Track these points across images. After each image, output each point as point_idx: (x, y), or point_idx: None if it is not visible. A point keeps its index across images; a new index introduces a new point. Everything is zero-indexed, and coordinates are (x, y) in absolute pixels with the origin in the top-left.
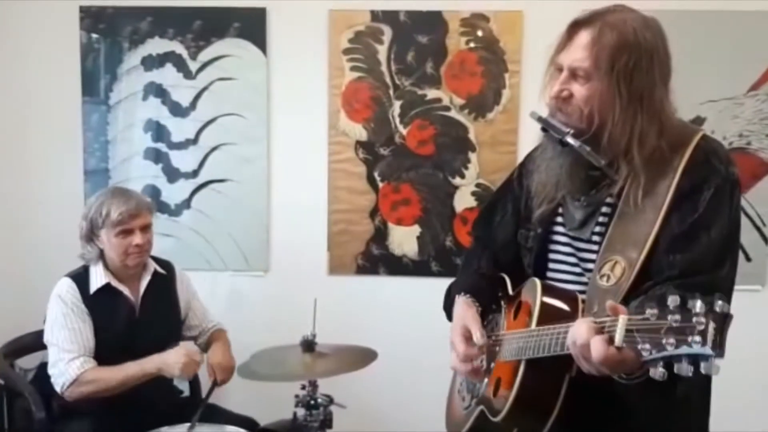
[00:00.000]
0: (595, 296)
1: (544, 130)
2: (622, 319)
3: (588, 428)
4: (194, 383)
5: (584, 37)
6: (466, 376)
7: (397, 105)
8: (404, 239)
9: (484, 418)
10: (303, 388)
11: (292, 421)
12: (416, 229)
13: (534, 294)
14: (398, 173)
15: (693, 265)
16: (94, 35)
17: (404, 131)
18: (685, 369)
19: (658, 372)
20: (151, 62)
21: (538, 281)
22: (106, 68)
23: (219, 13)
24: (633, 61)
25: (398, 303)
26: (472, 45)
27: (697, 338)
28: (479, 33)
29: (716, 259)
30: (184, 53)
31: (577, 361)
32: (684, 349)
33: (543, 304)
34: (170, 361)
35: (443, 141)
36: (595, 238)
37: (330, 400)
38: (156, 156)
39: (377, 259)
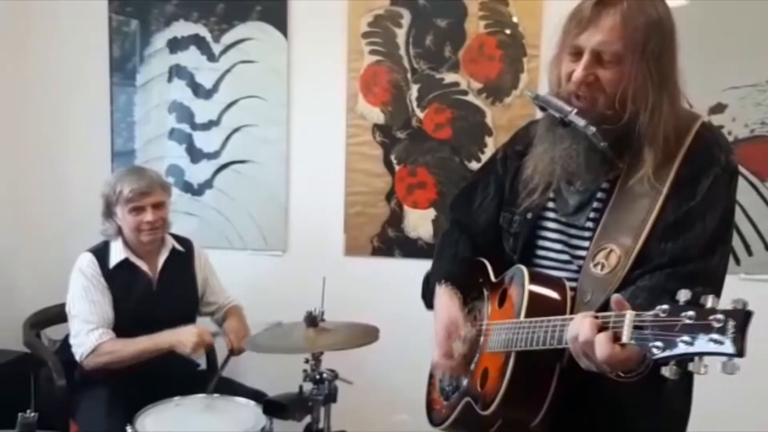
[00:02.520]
0: (589, 285)
1: (542, 109)
2: (630, 316)
3: (575, 418)
4: (210, 355)
5: (611, 17)
6: (447, 372)
7: (414, 89)
8: (419, 222)
9: (469, 410)
10: (306, 361)
11: (298, 394)
12: (432, 213)
13: (521, 282)
14: (415, 156)
15: (684, 253)
16: (123, 18)
17: (421, 115)
18: (700, 368)
19: (671, 370)
20: (176, 45)
21: (524, 268)
22: (133, 50)
23: None
24: (661, 42)
25: (412, 285)
26: (491, 29)
27: (715, 336)
28: (499, 17)
29: (708, 247)
30: (208, 36)
31: (576, 357)
32: (700, 347)
33: (531, 293)
34: (182, 338)
35: (460, 125)
36: (589, 224)
37: (335, 375)
38: (180, 137)
39: (392, 241)
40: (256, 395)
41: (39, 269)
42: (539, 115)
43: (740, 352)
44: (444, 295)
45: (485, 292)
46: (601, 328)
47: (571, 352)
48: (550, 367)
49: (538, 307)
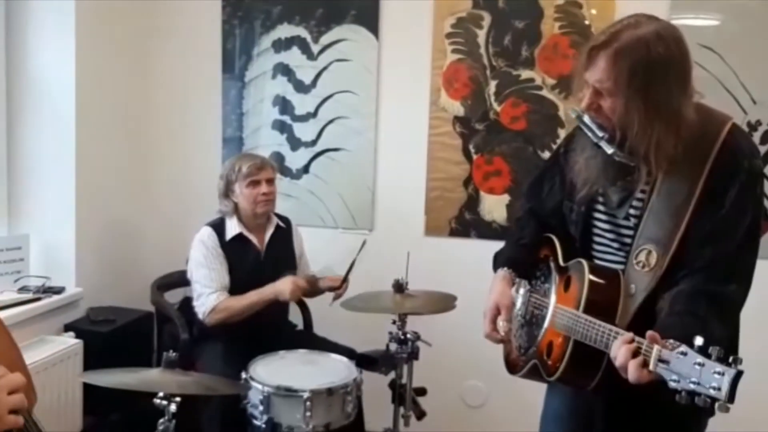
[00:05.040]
0: (633, 279)
1: (580, 128)
2: (656, 350)
3: (623, 385)
4: (307, 318)
5: (602, 60)
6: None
7: (492, 84)
8: (494, 206)
9: (536, 370)
10: (393, 323)
11: (386, 351)
12: (506, 198)
13: (581, 274)
14: (491, 146)
15: (720, 256)
16: (234, 22)
17: (498, 108)
18: (702, 402)
19: (682, 398)
20: (279, 45)
21: (585, 263)
22: (242, 50)
23: (338, 1)
24: (647, 77)
25: (487, 263)
26: (565, 29)
27: (715, 384)
28: (572, 18)
29: (740, 248)
30: (308, 37)
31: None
32: (703, 390)
33: (590, 282)
34: (281, 287)
35: (534, 118)
36: (631, 218)
37: (417, 336)
38: (281, 127)
39: (469, 224)
40: (347, 352)
41: (160, 240)
42: None
43: (731, 401)
44: (501, 279)
45: (553, 271)
46: (636, 352)
47: None
48: (602, 350)
49: (596, 295)
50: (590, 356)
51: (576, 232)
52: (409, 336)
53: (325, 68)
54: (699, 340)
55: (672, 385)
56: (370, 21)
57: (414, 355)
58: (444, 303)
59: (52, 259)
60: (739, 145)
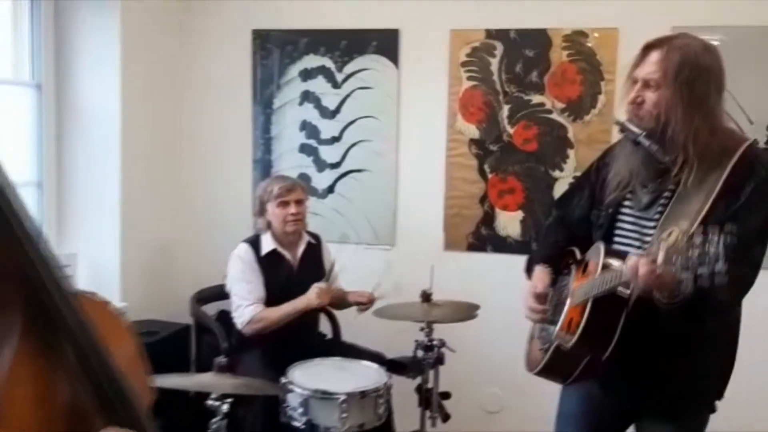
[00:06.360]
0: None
1: (622, 131)
2: (664, 245)
3: (638, 353)
4: (335, 329)
5: (655, 55)
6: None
7: (505, 108)
8: (509, 222)
9: (557, 354)
10: (421, 330)
11: (413, 357)
12: (520, 214)
13: (598, 254)
14: (505, 166)
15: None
16: (263, 53)
17: (511, 131)
18: (705, 282)
19: (686, 286)
20: (306, 74)
21: (601, 244)
22: (271, 79)
23: (361, 33)
24: (693, 75)
25: (502, 276)
26: (572, 57)
27: (712, 254)
28: (579, 47)
29: (752, 237)
30: (333, 67)
31: (631, 281)
32: (706, 261)
33: (605, 263)
34: (309, 295)
35: (545, 139)
36: (656, 216)
37: (443, 343)
38: (308, 150)
39: (485, 239)
40: (376, 357)
41: (196, 257)
42: (614, 130)
43: (728, 270)
44: (539, 272)
45: (573, 270)
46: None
47: (633, 301)
48: (618, 312)
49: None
50: (606, 318)
51: (600, 234)
52: (435, 343)
53: (348, 95)
54: (698, 232)
55: (676, 266)
56: (391, 51)
57: (440, 360)
58: (467, 312)
59: (99, 276)
60: (758, 156)
